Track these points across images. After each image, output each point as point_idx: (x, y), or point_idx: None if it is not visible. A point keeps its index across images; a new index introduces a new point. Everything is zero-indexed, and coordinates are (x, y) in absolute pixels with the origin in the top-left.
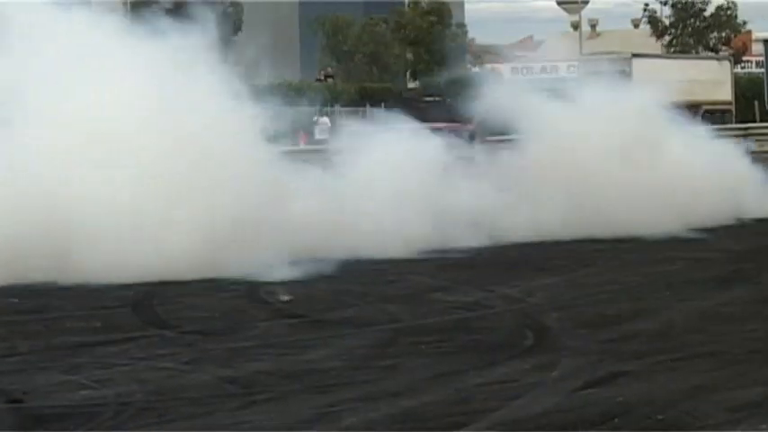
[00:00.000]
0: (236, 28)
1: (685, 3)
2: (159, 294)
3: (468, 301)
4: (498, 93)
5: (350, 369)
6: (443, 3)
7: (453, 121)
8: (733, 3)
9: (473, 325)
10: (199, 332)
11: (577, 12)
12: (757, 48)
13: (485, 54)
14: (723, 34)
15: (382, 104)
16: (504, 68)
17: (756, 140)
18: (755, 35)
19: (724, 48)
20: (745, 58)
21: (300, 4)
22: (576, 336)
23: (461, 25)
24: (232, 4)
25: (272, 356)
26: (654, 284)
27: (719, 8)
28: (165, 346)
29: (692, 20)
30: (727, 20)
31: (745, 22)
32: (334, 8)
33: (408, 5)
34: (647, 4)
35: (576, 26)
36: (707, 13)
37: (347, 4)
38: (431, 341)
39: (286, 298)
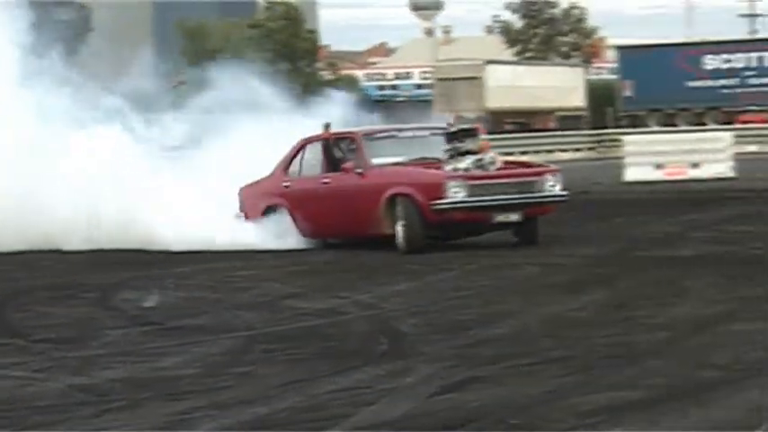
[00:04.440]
0: (86, 30)
1: (534, 10)
2: (11, 302)
3: (322, 308)
4: None
5: (204, 376)
6: (295, 8)
7: None
8: (582, 8)
9: (327, 332)
10: (51, 340)
11: (431, 18)
12: (610, 54)
13: (339, 60)
14: (573, 39)
15: None
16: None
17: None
18: (608, 41)
19: (574, 53)
20: (598, 65)
21: (154, 4)
22: (431, 341)
23: (312, 31)
24: (81, 6)
25: (125, 364)
26: (507, 289)
27: (567, 12)
28: (16, 354)
29: (543, 27)
30: (576, 24)
31: (595, 29)
32: (188, 8)
33: (265, 8)
34: (497, 15)
35: (429, 33)
36: (555, 17)
37: (202, 4)
38: (285, 348)
39: (149, 304)
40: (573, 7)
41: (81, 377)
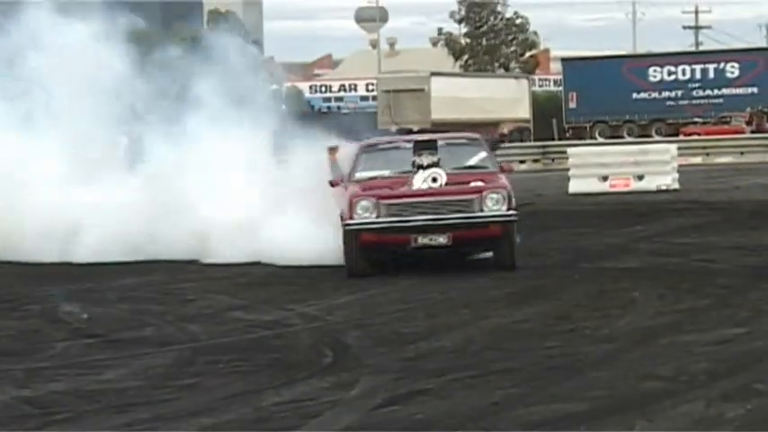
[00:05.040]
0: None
1: (478, 20)
2: None
3: (267, 320)
4: None
5: (148, 388)
6: (239, 20)
7: None
8: (524, 17)
9: (272, 344)
10: None
11: (376, 30)
12: (556, 66)
13: (284, 72)
14: (516, 50)
15: None
16: (304, 86)
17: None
18: (554, 53)
19: (516, 64)
20: (543, 77)
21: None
22: (376, 354)
23: (255, 42)
24: None
25: (69, 376)
26: (452, 302)
27: (509, 21)
28: None
29: (486, 38)
30: (518, 33)
31: (536, 34)
32: (130, 8)
33: (207, 18)
34: (441, 28)
35: (374, 45)
36: (498, 28)
37: (144, 4)
38: (230, 360)
39: (85, 316)
40: (516, 16)
41: (25, 389)
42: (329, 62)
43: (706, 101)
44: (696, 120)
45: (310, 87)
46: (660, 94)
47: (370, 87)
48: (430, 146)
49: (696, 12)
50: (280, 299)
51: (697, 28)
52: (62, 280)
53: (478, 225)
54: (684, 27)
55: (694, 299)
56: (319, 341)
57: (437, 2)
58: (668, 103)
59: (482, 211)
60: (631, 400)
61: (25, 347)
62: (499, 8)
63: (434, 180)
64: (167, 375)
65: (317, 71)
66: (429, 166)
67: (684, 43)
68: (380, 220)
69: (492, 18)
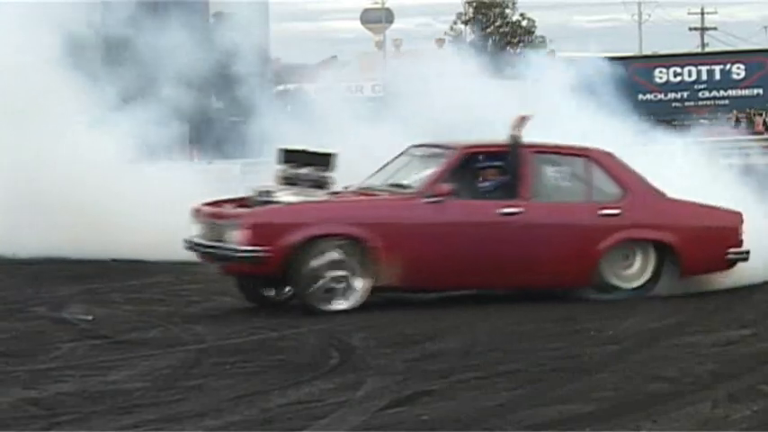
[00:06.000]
0: None
1: (485, 22)
2: None
3: (272, 322)
4: None
5: (154, 390)
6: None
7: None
8: (531, 19)
9: (278, 345)
10: (1, 354)
11: (381, 32)
12: None
13: (290, 74)
14: (521, 51)
15: None
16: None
17: None
18: (559, 55)
19: None
20: None
21: (103, 3)
22: (381, 355)
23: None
24: None
25: (75, 378)
26: (456, 303)
27: (516, 23)
28: None
29: (494, 38)
30: (524, 35)
31: (543, 38)
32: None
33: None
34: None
35: (380, 46)
36: (505, 29)
37: (148, 4)
38: (235, 361)
39: (89, 317)
40: (522, 18)
41: (31, 391)
42: (335, 63)
43: (712, 102)
44: (702, 121)
45: (317, 89)
46: (666, 95)
47: (376, 89)
48: (298, 157)
49: (702, 13)
50: (284, 300)
51: (703, 29)
52: (68, 281)
53: (222, 259)
54: (690, 28)
55: (699, 300)
56: (325, 342)
57: (443, 3)
58: (674, 104)
59: (225, 242)
60: (637, 402)
61: (30, 348)
62: (507, 11)
63: (268, 194)
64: (173, 377)
65: (322, 72)
66: (289, 180)
67: (690, 45)
68: (191, 239)
69: (499, 20)
